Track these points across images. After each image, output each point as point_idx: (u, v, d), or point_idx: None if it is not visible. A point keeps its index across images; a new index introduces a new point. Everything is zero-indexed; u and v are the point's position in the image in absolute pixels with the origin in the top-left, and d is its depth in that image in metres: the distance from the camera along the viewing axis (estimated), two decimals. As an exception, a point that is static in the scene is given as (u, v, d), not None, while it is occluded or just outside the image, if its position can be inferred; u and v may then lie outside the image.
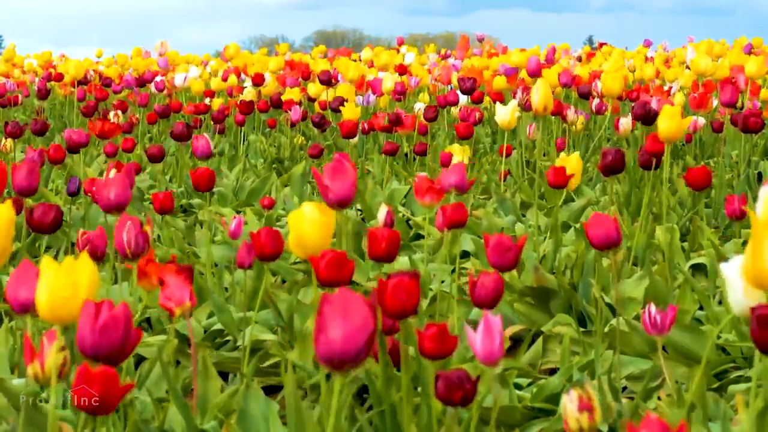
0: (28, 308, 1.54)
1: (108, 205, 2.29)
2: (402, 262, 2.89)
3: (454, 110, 5.70)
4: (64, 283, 1.41)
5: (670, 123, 2.93)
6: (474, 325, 1.56)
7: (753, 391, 1.46)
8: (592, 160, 4.81)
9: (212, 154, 3.56)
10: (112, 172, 2.82)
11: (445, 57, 10.27)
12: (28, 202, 3.20)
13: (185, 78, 7.38)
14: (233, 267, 2.80)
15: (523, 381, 2.11)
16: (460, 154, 3.90)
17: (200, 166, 3.21)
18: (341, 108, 5.37)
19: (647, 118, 3.78)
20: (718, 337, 2.26)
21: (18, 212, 2.65)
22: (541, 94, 3.08)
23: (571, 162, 3.24)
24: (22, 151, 5.48)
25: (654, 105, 4.25)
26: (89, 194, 3.21)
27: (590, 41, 29.58)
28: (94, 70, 8.94)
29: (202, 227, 3.56)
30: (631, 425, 1.07)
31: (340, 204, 1.97)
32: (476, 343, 1.52)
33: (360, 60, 9.63)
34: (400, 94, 6.15)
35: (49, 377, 1.40)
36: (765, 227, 1.29)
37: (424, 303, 2.51)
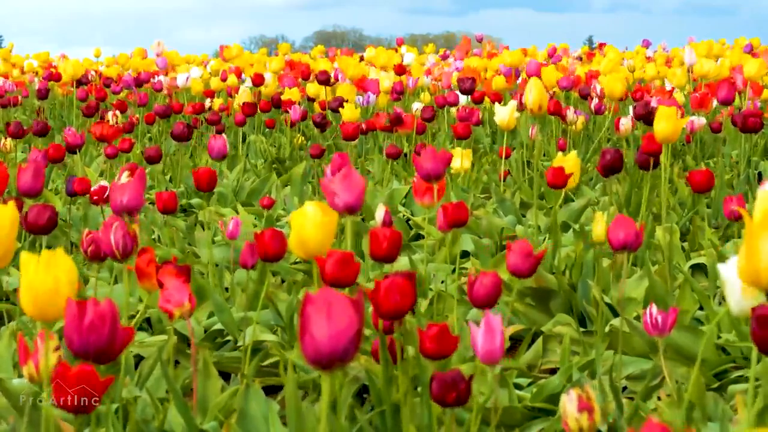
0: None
1: (119, 208, 2.29)
2: (402, 262, 2.90)
3: (454, 110, 5.70)
4: (44, 279, 1.36)
5: (666, 124, 2.93)
6: (474, 324, 1.57)
7: (751, 391, 1.46)
8: (592, 161, 4.81)
9: (227, 154, 3.55)
10: (125, 175, 2.82)
11: (445, 57, 10.27)
12: (28, 202, 3.20)
13: (187, 78, 7.38)
14: (234, 267, 2.80)
15: (523, 381, 2.11)
16: (462, 157, 3.89)
17: (201, 166, 3.21)
18: (341, 109, 5.38)
19: (649, 118, 3.78)
20: (718, 337, 2.26)
21: (19, 212, 2.65)
22: (534, 93, 3.08)
23: (569, 162, 3.24)
24: (22, 152, 5.48)
25: (655, 105, 4.25)
26: (82, 194, 3.20)
27: (590, 41, 29.59)
28: (94, 71, 8.94)
29: (202, 227, 3.56)
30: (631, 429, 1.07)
31: (348, 210, 1.97)
32: (477, 341, 1.53)
33: (363, 59, 9.63)
34: (399, 93, 6.15)
35: (44, 378, 1.39)
36: (759, 226, 1.30)
37: (424, 303, 2.51)
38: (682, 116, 4.69)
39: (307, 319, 1.13)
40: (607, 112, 5.35)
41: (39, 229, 2.27)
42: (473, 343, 1.54)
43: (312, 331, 1.13)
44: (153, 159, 4.02)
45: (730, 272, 1.55)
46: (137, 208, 2.31)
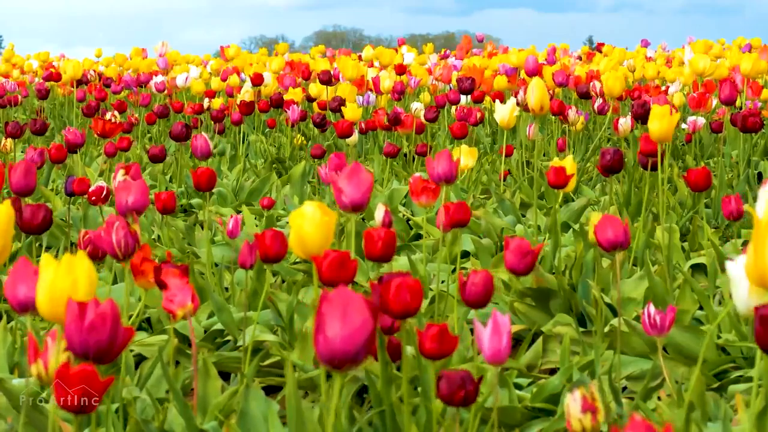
0: (27, 307, 1.54)
1: (124, 208, 2.29)
2: (402, 262, 2.89)
3: (455, 110, 5.70)
4: (63, 282, 1.40)
5: (660, 123, 2.92)
6: (480, 323, 1.56)
7: (754, 391, 1.46)
8: (592, 160, 4.81)
9: (211, 154, 3.55)
10: (120, 173, 2.82)
11: (445, 57, 10.27)
12: (27, 202, 3.20)
13: (186, 78, 7.38)
14: (233, 267, 2.80)
15: (523, 381, 2.11)
16: (467, 155, 3.87)
17: (200, 166, 3.21)
18: (342, 108, 5.37)
19: (646, 117, 3.78)
20: (718, 337, 2.26)
21: (16, 212, 2.65)
22: (536, 93, 3.07)
23: (566, 165, 3.23)
24: (22, 151, 5.48)
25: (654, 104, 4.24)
26: (81, 194, 3.20)
27: (590, 41, 29.58)
28: (94, 70, 8.93)
29: (202, 227, 3.56)
30: (614, 428, 1.07)
31: (354, 208, 1.97)
32: (484, 341, 1.52)
33: (361, 59, 9.62)
34: (399, 93, 6.15)
35: (53, 377, 1.39)
36: (767, 227, 1.30)
37: (424, 303, 2.51)
38: (681, 116, 4.69)
39: (322, 318, 1.13)
40: (607, 112, 5.34)
41: (34, 229, 2.26)
42: (479, 342, 1.53)
43: (326, 331, 1.13)
44: (157, 158, 4.03)
45: (737, 271, 1.54)
46: (143, 208, 2.31)
